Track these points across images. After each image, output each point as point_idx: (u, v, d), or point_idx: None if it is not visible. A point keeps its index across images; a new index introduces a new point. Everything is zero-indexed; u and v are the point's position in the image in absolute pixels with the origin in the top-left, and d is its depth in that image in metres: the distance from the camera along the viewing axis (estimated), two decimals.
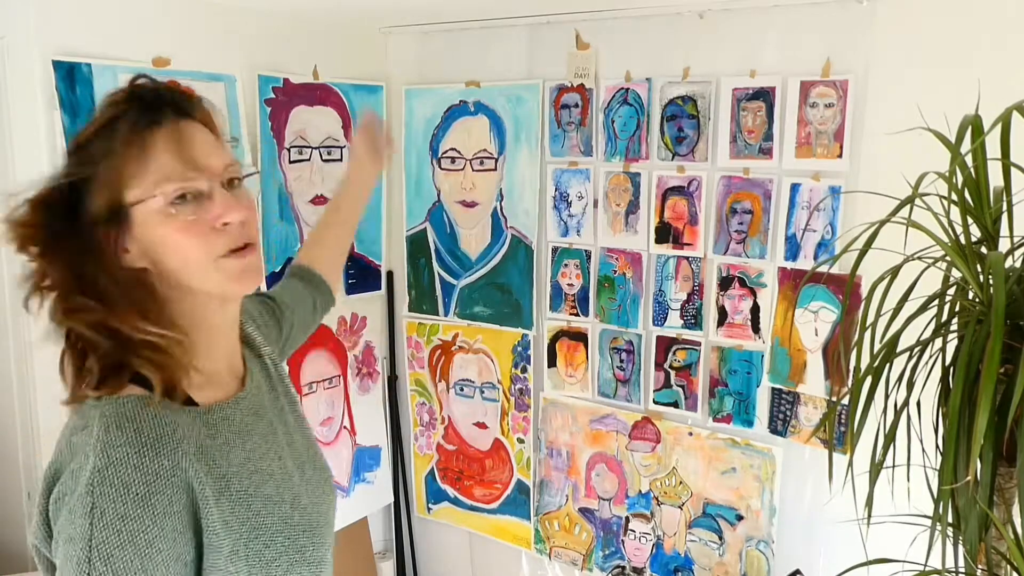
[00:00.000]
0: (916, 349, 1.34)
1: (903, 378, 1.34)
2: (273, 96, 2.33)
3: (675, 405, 2.33)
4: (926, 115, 1.50)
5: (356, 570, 2.82)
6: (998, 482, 1.23)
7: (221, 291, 0.96)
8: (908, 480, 1.38)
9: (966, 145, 1.23)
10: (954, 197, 1.26)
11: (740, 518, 2.27)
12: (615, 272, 2.37)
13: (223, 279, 0.94)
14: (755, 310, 2.16)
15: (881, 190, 1.49)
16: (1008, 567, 1.26)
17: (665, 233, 2.27)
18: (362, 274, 2.72)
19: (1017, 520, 1.24)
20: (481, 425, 2.74)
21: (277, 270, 2.40)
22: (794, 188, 2.05)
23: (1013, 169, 1.23)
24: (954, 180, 1.25)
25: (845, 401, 1.84)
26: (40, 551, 0.90)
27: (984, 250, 1.27)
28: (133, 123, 0.89)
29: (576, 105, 2.36)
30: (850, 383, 1.33)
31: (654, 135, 2.25)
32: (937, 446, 1.32)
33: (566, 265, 2.46)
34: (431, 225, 2.71)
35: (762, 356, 2.17)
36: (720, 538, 2.31)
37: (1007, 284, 1.15)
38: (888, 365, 1.30)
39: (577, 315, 2.47)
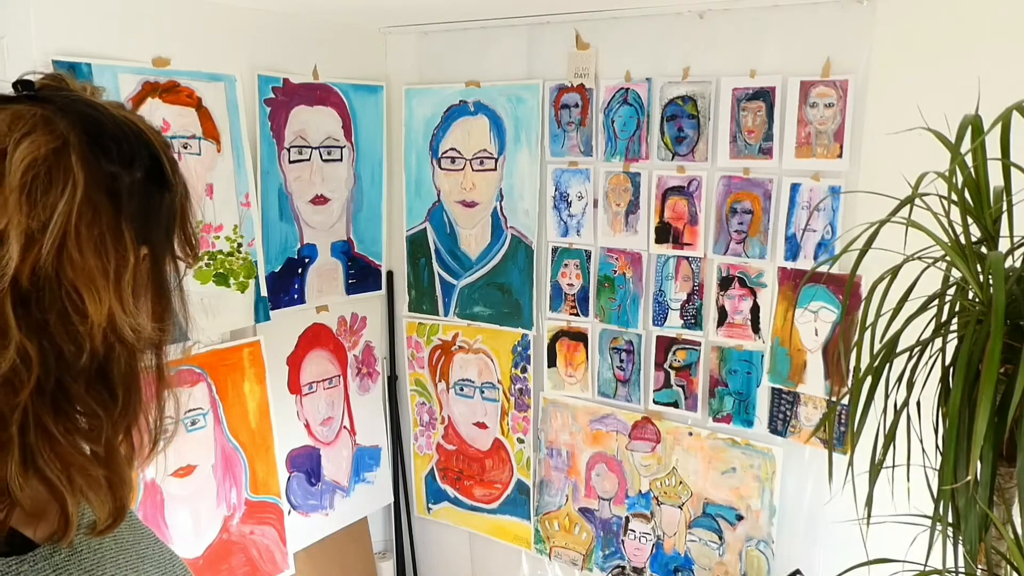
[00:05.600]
0: (916, 349, 1.34)
1: (903, 378, 1.34)
2: (273, 96, 2.33)
3: (675, 405, 2.33)
4: (926, 115, 1.50)
5: (356, 570, 2.83)
6: (998, 482, 1.23)
7: None
8: (908, 480, 1.38)
9: (966, 145, 1.23)
10: (954, 197, 1.26)
11: (740, 518, 2.27)
12: (615, 272, 2.37)
13: None
14: (755, 310, 2.16)
15: (881, 190, 1.49)
16: (1008, 567, 1.26)
17: (665, 233, 2.27)
18: (362, 274, 2.72)
19: (1017, 520, 1.24)
20: (481, 425, 2.74)
21: (277, 269, 2.41)
22: (794, 188, 2.05)
23: (1013, 169, 1.23)
24: (954, 180, 1.25)
25: (845, 401, 1.84)
26: None
27: (984, 250, 1.27)
28: None
29: (576, 105, 2.36)
30: (850, 383, 1.33)
31: (654, 135, 2.25)
32: (937, 446, 1.32)
33: (566, 265, 2.46)
34: (431, 225, 2.71)
35: (762, 356, 2.16)
36: (720, 538, 2.31)
37: (1007, 284, 1.15)
38: (888, 365, 1.30)
39: (577, 315, 2.47)
